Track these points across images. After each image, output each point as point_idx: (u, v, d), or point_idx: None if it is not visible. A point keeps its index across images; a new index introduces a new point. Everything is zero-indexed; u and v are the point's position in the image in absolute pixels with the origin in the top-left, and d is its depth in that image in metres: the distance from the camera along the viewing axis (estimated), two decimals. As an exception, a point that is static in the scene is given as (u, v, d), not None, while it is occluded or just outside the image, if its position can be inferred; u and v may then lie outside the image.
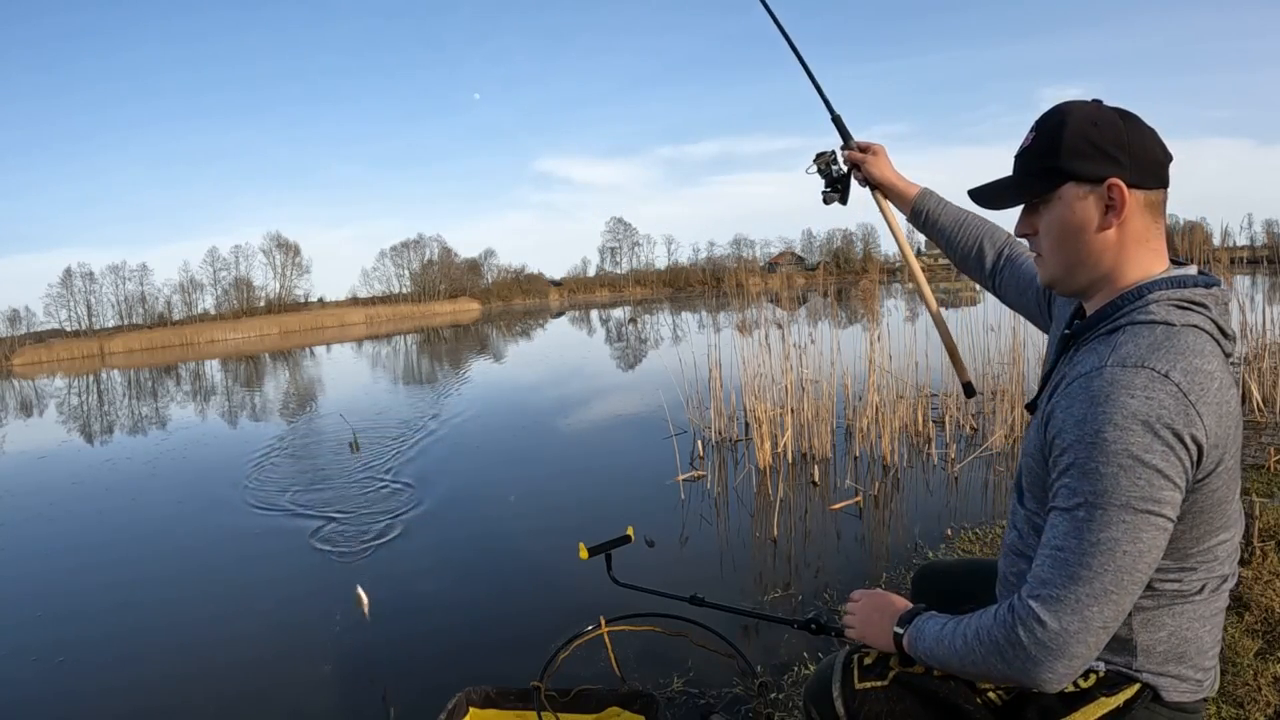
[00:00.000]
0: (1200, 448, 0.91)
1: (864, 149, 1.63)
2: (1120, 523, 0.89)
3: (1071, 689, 1.05)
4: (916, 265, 1.66)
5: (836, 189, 1.69)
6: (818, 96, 1.71)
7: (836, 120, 1.68)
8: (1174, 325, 0.94)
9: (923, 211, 1.57)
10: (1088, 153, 0.98)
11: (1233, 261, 8.91)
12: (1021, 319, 1.63)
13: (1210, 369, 0.92)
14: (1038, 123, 1.04)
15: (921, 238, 1.68)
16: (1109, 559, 0.90)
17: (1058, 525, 0.94)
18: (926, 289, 1.65)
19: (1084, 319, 1.07)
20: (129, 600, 4.12)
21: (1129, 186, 0.97)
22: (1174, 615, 1.00)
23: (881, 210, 1.64)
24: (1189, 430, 0.89)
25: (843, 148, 1.66)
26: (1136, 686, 1.03)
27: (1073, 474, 0.92)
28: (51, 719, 2.97)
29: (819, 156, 1.69)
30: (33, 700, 3.07)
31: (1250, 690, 2.07)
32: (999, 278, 1.47)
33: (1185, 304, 0.96)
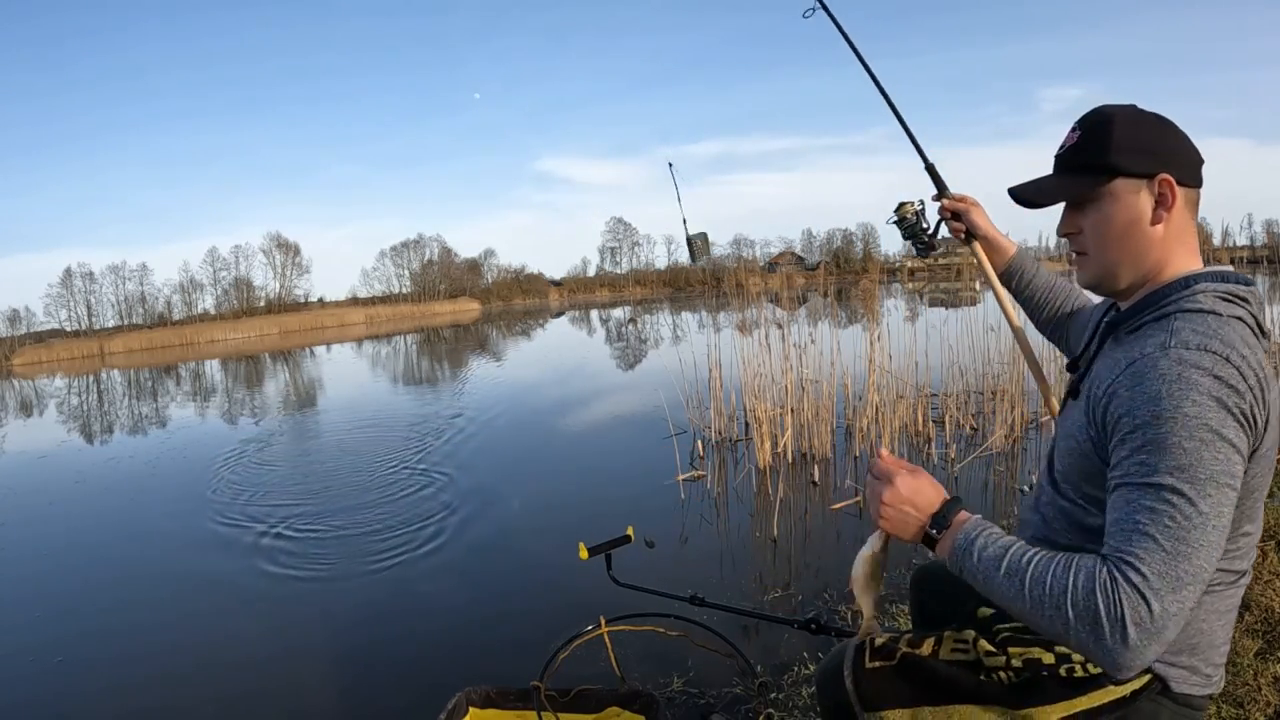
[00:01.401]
0: (1261, 426, 0.91)
1: (962, 200, 1.61)
2: (1209, 497, 0.86)
3: (1081, 674, 1.05)
4: (1014, 316, 1.63)
5: (923, 239, 1.67)
6: (908, 140, 1.69)
7: (930, 169, 1.67)
8: (1221, 315, 0.95)
9: (1019, 271, 1.56)
10: (1137, 149, 1.01)
11: (1233, 261, 8.89)
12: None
13: (1260, 359, 0.93)
14: (1080, 122, 1.07)
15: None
16: (1204, 534, 0.85)
17: (1138, 502, 0.87)
18: (1020, 331, 1.63)
19: (1121, 312, 1.08)
20: (127, 599, 4.12)
21: (1176, 183, 1.00)
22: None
23: (980, 263, 1.61)
24: (1253, 408, 0.90)
25: (935, 197, 1.65)
26: (1146, 676, 1.03)
27: (1150, 451, 0.88)
28: (51, 718, 2.97)
29: (903, 206, 1.66)
30: (32, 700, 3.07)
31: (1250, 690, 2.07)
32: (1063, 332, 1.49)
33: (1230, 297, 0.98)
